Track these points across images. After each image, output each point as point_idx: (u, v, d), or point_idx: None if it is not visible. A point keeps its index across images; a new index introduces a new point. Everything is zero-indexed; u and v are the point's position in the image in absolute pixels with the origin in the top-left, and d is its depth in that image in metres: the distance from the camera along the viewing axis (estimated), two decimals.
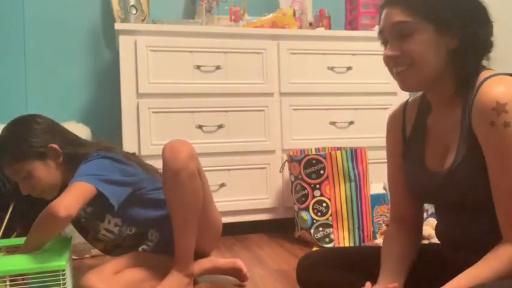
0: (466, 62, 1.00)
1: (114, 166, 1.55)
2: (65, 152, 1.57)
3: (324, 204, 2.19)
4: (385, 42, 1.05)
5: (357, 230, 2.21)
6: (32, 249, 1.39)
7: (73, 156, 1.57)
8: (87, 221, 1.65)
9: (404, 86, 1.04)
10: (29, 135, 1.53)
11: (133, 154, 1.73)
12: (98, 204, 1.52)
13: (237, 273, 1.67)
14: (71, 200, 1.37)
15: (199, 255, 1.64)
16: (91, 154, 1.57)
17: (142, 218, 1.63)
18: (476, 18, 0.99)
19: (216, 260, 1.71)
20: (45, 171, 1.54)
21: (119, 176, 1.54)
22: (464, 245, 1.05)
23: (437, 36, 0.99)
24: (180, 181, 1.48)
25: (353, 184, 2.21)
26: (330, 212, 2.18)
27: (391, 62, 1.04)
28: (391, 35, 1.03)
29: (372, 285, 1.06)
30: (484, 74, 0.99)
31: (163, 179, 1.52)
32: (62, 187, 1.57)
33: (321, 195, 2.19)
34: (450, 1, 0.98)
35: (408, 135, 1.16)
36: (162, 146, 2.22)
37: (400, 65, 1.02)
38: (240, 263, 1.67)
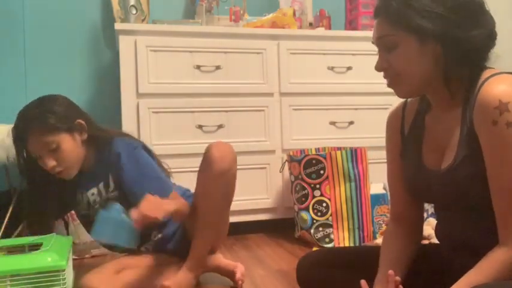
0: (450, 66, 0.98)
1: (153, 163, 1.60)
2: (89, 131, 1.59)
3: (324, 204, 2.19)
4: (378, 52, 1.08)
5: (357, 230, 2.21)
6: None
7: (95, 136, 1.60)
8: (101, 206, 1.63)
9: (397, 95, 1.08)
10: (57, 109, 1.55)
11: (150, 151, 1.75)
12: (121, 192, 1.54)
13: (233, 276, 1.67)
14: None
15: None
16: (133, 141, 1.61)
17: None
18: (458, 23, 0.96)
19: (220, 259, 1.71)
20: (72, 145, 1.55)
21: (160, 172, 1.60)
22: (463, 245, 1.05)
23: (421, 45, 0.99)
24: (225, 182, 1.52)
25: (353, 184, 2.21)
26: (330, 212, 2.18)
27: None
28: (379, 48, 1.06)
29: (370, 284, 1.06)
30: (486, 73, 0.99)
31: (204, 177, 1.55)
32: (83, 165, 1.59)
33: (321, 195, 2.19)
34: (427, 10, 0.97)
35: (406, 133, 1.16)
36: (162, 146, 2.25)
37: (388, 77, 1.06)
38: (240, 268, 1.66)
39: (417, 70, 1.01)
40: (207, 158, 1.52)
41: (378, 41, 1.05)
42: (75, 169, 1.57)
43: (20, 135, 1.53)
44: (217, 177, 1.50)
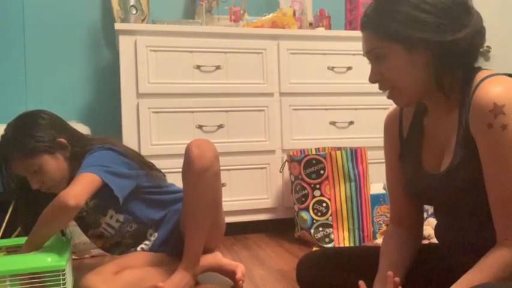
0: (442, 71, 0.98)
1: (119, 158, 1.57)
2: (72, 147, 1.58)
3: (324, 204, 2.19)
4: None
5: (357, 230, 2.21)
6: (38, 241, 1.41)
7: (80, 151, 1.59)
8: (88, 215, 1.65)
9: (397, 105, 1.08)
10: (36, 130, 1.54)
11: (138, 153, 1.74)
12: (101, 197, 1.52)
13: (233, 276, 1.66)
14: (79, 189, 1.39)
15: (203, 251, 1.64)
16: (96, 146, 1.59)
17: (144, 216, 1.63)
18: (444, 28, 0.96)
19: (220, 259, 1.71)
20: (54, 165, 1.55)
21: (124, 168, 1.56)
22: (462, 246, 1.05)
23: (410, 54, 0.98)
24: (205, 180, 1.48)
25: (353, 184, 2.21)
26: (330, 212, 2.18)
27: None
28: (370, 60, 1.06)
29: (370, 284, 1.06)
30: (480, 75, 0.98)
31: (186, 176, 1.52)
32: (70, 180, 1.58)
33: (321, 195, 2.19)
34: (410, 18, 0.96)
35: (405, 136, 1.16)
36: (162, 146, 2.25)
37: (384, 88, 1.06)
38: (240, 268, 1.66)
39: (410, 79, 1.00)
40: (187, 157, 1.50)
41: (368, 54, 1.05)
42: (62, 184, 1.57)
43: (2, 158, 1.55)
44: (198, 175, 1.48)
